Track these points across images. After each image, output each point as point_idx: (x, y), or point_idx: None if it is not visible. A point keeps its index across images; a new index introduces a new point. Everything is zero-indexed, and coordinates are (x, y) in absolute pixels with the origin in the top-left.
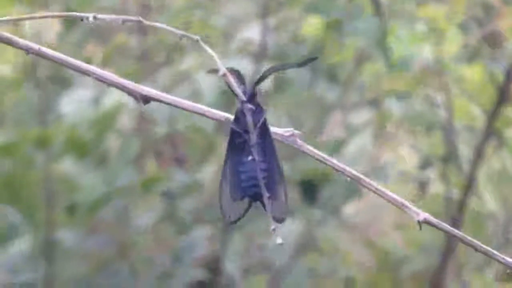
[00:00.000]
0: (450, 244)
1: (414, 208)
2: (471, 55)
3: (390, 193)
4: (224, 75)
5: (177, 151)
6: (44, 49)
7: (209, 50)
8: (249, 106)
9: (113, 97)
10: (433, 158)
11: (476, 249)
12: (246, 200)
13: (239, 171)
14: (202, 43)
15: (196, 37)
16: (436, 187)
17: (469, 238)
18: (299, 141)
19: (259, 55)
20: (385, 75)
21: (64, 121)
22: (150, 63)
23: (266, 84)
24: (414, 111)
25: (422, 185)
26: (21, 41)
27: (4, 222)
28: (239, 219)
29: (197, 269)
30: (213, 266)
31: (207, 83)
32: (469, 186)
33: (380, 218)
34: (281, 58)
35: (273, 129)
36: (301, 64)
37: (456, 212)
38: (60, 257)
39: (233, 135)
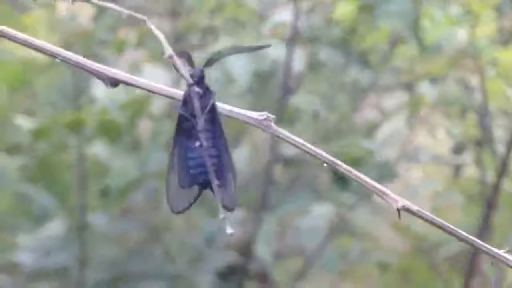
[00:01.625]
0: (486, 225)
1: (393, 196)
2: (506, 38)
3: (369, 180)
4: (171, 57)
5: None
6: (8, 30)
7: (157, 33)
8: (196, 89)
9: (146, 80)
10: (468, 141)
11: (460, 239)
12: (196, 188)
13: (187, 158)
14: (149, 24)
15: (144, 17)
16: (470, 171)
17: (451, 226)
18: (274, 126)
19: (291, 38)
20: (419, 58)
21: (97, 104)
22: (183, 46)
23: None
24: (448, 94)
25: (457, 169)
26: None
27: (37, 205)
28: (187, 208)
29: (229, 252)
30: (245, 250)
31: (240, 67)
32: (503, 169)
33: (413, 202)
34: (313, 41)
35: (246, 112)
36: (251, 49)
37: (491, 195)
38: (92, 240)
39: (181, 119)
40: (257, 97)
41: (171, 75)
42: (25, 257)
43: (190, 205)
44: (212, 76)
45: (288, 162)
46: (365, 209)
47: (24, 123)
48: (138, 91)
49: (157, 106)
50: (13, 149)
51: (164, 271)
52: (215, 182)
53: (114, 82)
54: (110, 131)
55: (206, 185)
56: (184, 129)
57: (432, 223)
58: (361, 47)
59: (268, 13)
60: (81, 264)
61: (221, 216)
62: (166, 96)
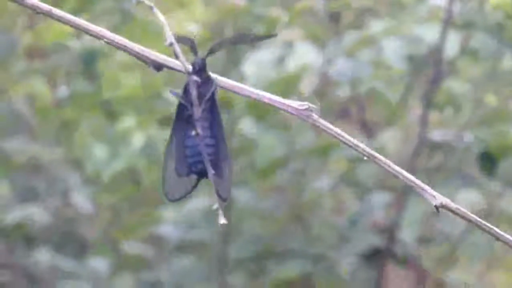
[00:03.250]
0: None
1: (432, 192)
2: None
3: (408, 175)
4: (171, 44)
5: (363, 114)
6: (55, 10)
7: (161, 18)
8: (195, 78)
9: (297, 59)
10: None
11: (497, 238)
12: (193, 176)
13: (184, 146)
14: (156, 10)
15: (151, 3)
16: None
17: (488, 225)
18: (315, 116)
19: (446, 22)
20: None
21: (247, 82)
22: (336, 26)
23: (452, 51)
24: None
25: None
26: (29, 0)
27: None
28: (183, 196)
29: (373, 235)
30: (390, 233)
31: (393, 51)
32: None
33: None
34: (467, 26)
35: (287, 101)
36: (255, 40)
37: None
38: (237, 216)
39: (180, 108)
40: (410, 80)
41: (323, 53)
42: (169, 230)
43: (187, 193)
44: (365, 58)
45: (436, 146)
46: None
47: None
48: (289, 69)
49: (306, 84)
50: (163, 121)
51: (307, 250)
52: (211, 172)
53: (157, 66)
54: (258, 109)
55: (202, 174)
56: (183, 117)
57: (470, 220)
58: None
59: None
60: (224, 239)
61: (215, 206)
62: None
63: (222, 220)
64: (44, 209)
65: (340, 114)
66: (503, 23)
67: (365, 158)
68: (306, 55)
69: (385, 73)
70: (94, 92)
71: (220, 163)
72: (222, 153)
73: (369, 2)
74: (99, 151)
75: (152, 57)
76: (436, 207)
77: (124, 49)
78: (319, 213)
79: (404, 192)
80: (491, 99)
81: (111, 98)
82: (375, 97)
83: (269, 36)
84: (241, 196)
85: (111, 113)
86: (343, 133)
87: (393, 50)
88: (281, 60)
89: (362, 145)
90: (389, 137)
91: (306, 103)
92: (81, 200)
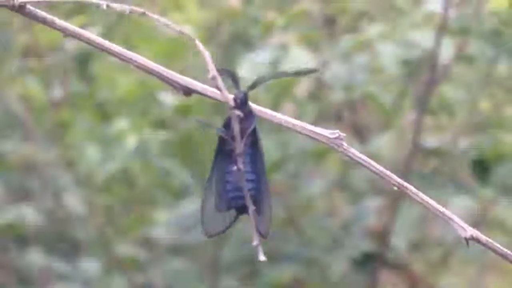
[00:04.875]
0: None
1: (462, 224)
2: None
3: (438, 206)
4: (214, 78)
5: (356, 118)
6: (84, 32)
7: (204, 52)
8: (237, 112)
9: (292, 63)
10: None
11: None
12: (232, 212)
13: (225, 181)
14: (198, 43)
15: (194, 38)
16: None
17: None
18: (345, 144)
19: (441, 28)
20: None
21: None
22: (332, 30)
23: (447, 56)
24: None
25: None
26: (58, 21)
27: (177, 181)
28: (221, 232)
29: (365, 240)
30: (382, 238)
31: (388, 55)
32: None
33: None
34: (463, 32)
35: (318, 129)
36: (298, 74)
37: None
38: None
39: (221, 142)
40: (404, 85)
41: (317, 57)
42: (161, 233)
43: (226, 229)
44: (359, 62)
45: (430, 152)
46: (506, 204)
47: (170, 99)
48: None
49: (301, 89)
50: (157, 125)
51: (300, 254)
52: (251, 208)
53: (187, 91)
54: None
55: (242, 210)
56: (224, 151)
57: (500, 254)
58: None
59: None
60: (216, 242)
61: (255, 242)
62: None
63: (262, 257)
64: (37, 210)
65: (334, 118)
66: (499, 29)
67: (395, 188)
68: (301, 58)
69: (380, 78)
70: (89, 93)
71: (261, 199)
72: (263, 188)
73: (365, 6)
74: (93, 152)
75: (182, 83)
76: (466, 239)
77: (155, 74)
78: (313, 216)
79: (397, 197)
80: (485, 105)
81: (105, 99)
82: (370, 101)
83: (310, 70)
84: None
85: (105, 114)
86: (372, 162)
87: (388, 55)
88: (276, 63)
89: (391, 175)
90: (383, 142)
91: (337, 131)
92: (74, 201)
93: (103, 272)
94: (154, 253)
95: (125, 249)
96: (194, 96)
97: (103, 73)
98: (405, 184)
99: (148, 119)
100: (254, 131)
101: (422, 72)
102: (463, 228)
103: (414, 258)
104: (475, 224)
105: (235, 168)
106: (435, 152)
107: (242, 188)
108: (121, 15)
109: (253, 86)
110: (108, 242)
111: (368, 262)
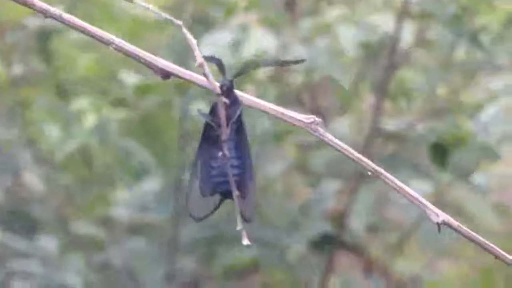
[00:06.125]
0: None
1: (435, 209)
2: None
3: (411, 191)
4: (201, 65)
5: (316, 102)
6: (65, 15)
7: (191, 38)
8: (224, 99)
9: (253, 44)
10: None
11: (496, 256)
12: (216, 196)
13: (210, 166)
14: (184, 30)
15: (179, 22)
16: None
17: (491, 245)
18: (320, 130)
19: (402, 12)
20: None
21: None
22: (294, 12)
23: (407, 41)
24: None
25: None
26: (38, 3)
27: (137, 161)
28: (207, 216)
29: (323, 222)
30: (340, 220)
31: (348, 37)
32: None
33: None
34: (424, 16)
35: (293, 114)
36: (284, 63)
37: None
38: None
39: (207, 128)
40: (363, 68)
41: (278, 40)
42: (121, 212)
43: (210, 213)
44: (320, 45)
45: (389, 136)
46: (463, 188)
47: (131, 79)
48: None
49: (262, 71)
50: (117, 104)
51: (258, 235)
52: (235, 193)
53: (165, 74)
54: (211, 93)
55: (226, 194)
56: (210, 137)
57: (472, 240)
58: (473, 26)
59: None
60: (175, 222)
61: (239, 227)
62: (207, 87)
63: (246, 241)
64: None
65: (294, 101)
66: (459, 14)
67: (370, 173)
68: (261, 40)
69: (340, 61)
70: (49, 72)
71: (245, 184)
72: (247, 174)
73: None
74: (52, 131)
75: (160, 66)
76: (438, 224)
77: (136, 57)
78: (271, 198)
79: (356, 180)
80: (443, 90)
81: (65, 78)
82: (330, 84)
83: (298, 61)
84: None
85: (64, 93)
86: (348, 148)
87: (347, 37)
88: (236, 45)
89: (367, 161)
90: (343, 125)
91: (312, 116)
92: (33, 179)
93: (61, 250)
94: (113, 232)
95: (84, 228)
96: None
97: (63, 52)
98: (380, 170)
99: (108, 99)
100: (239, 118)
101: (382, 56)
102: (435, 213)
103: (371, 241)
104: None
105: (220, 154)
106: (394, 136)
107: (227, 173)
108: None
109: (239, 73)
110: (66, 221)
111: (326, 244)
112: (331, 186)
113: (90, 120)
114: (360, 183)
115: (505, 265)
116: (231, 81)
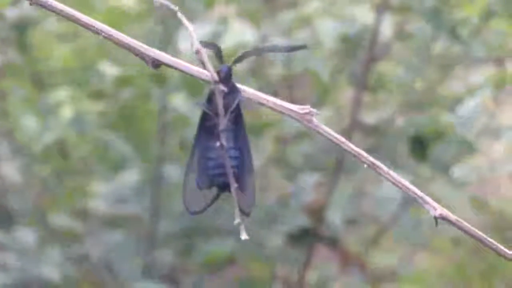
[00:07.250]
0: None
1: (433, 203)
2: None
3: (409, 185)
4: (198, 52)
5: (293, 94)
6: (52, 2)
7: (187, 24)
8: (221, 87)
9: (233, 37)
10: None
11: (498, 253)
12: (213, 189)
13: (207, 158)
14: (181, 15)
15: (175, 8)
16: None
17: (490, 240)
18: (315, 121)
19: (381, 5)
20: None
21: (182, 56)
22: (274, 5)
23: (387, 34)
24: None
25: None
26: None
27: (115, 153)
28: (202, 210)
29: (301, 215)
30: (318, 214)
31: (327, 30)
32: None
33: (493, 179)
34: (404, 9)
35: (288, 105)
36: (287, 50)
37: None
38: (166, 192)
39: (204, 117)
40: (342, 61)
41: (258, 32)
42: (99, 204)
43: (207, 207)
44: (299, 37)
45: (368, 129)
46: (442, 181)
47: (109, 70)
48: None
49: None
50: (96, 95)
51: (236, 228)
52: (234, 185)
53: (156, 64)
54: (192, 85)
55: (224, 187)
56: (207, 127)
57: (470, 233)
58: (452, 19)
59: None
60: (153, 214)
61: (237, 220)
62: (204, 80)
63: (244, 236)
64: None
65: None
66: (439, 7)
67: (365, 166)
68: (241, 32)
69: (319, 53)
70: (26, 62)
71: (244, 176)
72: (246, 166)
73: None
74: (30, 122)
75: (152, 55)
76: (435, 218)
77: (127, 47)
78: None
79: (334, 174)
80: (422, 84)
81: (42, 69)
82: (309, 77)
83: (300, 47)
84: (172, 171)
85: (41, 84)
86: (344, 140)
87: (326, 30)
88: (216, 37)
89: (362, 153)
90: (321, 117)
91: (307, 106)
92: (11, 171)
93: (39, 242)
94: (91, 224)
95: (61, 220)
96: (134, 67)
97: (39, 42)
98: (377, 163)
99: (87, 90)
100: (237, 107)
101: (362, 49)
102: (433, 207)
103: (349, 234)
104: (410, 202)
105: (218, 144)
106: (373, 129)
107: (225, 165)
108: None
109: (237, 60)
110: (44, 213)
111: (304, 238)
112: (309, 179)
113: (67, 112)
114: (338, 177)
115: (480, 259)
116: (229, 68)
